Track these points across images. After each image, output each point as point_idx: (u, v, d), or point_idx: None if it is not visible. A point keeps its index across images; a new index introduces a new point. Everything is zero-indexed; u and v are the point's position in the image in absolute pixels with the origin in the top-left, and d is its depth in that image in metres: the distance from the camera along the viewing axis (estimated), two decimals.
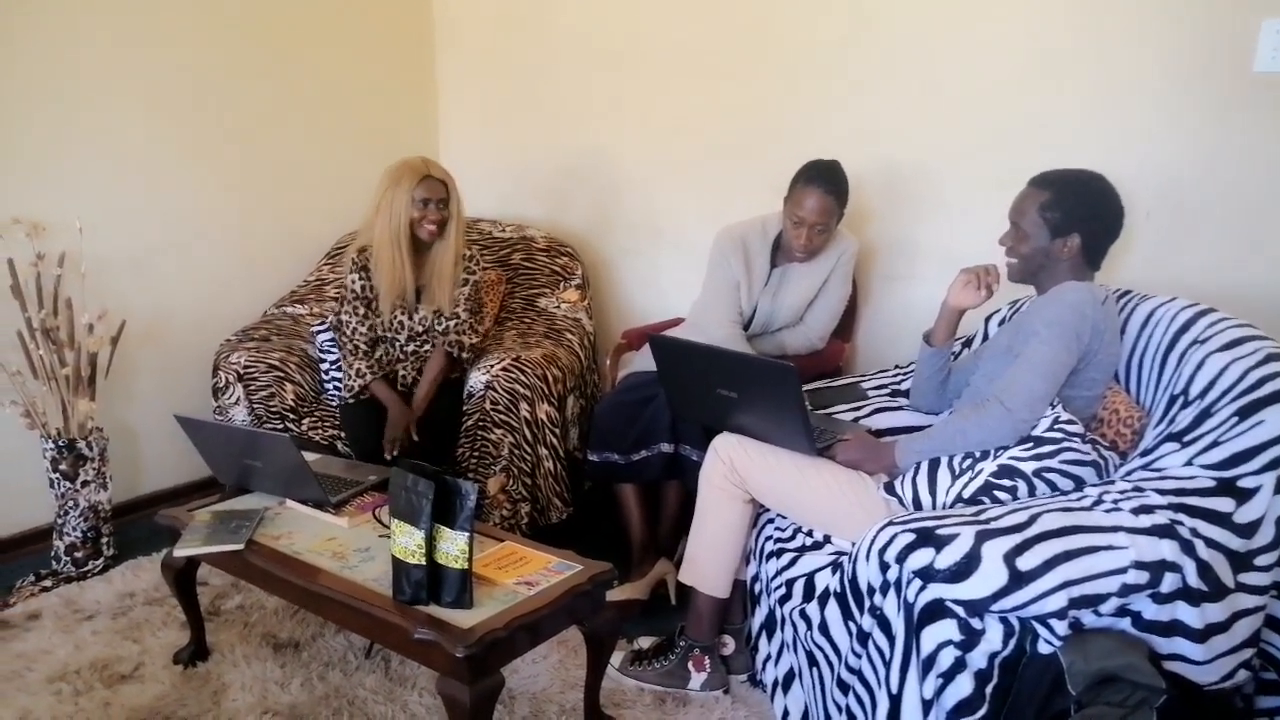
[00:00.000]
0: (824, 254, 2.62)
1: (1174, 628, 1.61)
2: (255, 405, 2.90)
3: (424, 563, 1.71)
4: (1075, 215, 1.95)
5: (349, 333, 2.75)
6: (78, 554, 2.70)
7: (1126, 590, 1.58)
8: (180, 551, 2.06)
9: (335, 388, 2.95)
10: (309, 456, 2.33)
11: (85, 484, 2.68)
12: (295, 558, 1.97)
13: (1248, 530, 1.64)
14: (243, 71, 3.25)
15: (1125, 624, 1.62)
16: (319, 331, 3.05)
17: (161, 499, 3.09)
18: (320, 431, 2.89)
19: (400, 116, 3.81)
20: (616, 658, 2.20)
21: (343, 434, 2.82)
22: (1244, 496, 1.65)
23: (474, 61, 3.80)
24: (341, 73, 3.56)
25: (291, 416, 2.93)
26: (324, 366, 3.04)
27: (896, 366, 2.58)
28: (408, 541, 1.72)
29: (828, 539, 2.03)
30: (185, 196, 3.15)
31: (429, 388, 2.76)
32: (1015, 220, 2.02)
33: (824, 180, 2.46)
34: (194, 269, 3.21)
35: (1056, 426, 1.86)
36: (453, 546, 1.70)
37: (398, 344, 2.82)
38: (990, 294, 2.13)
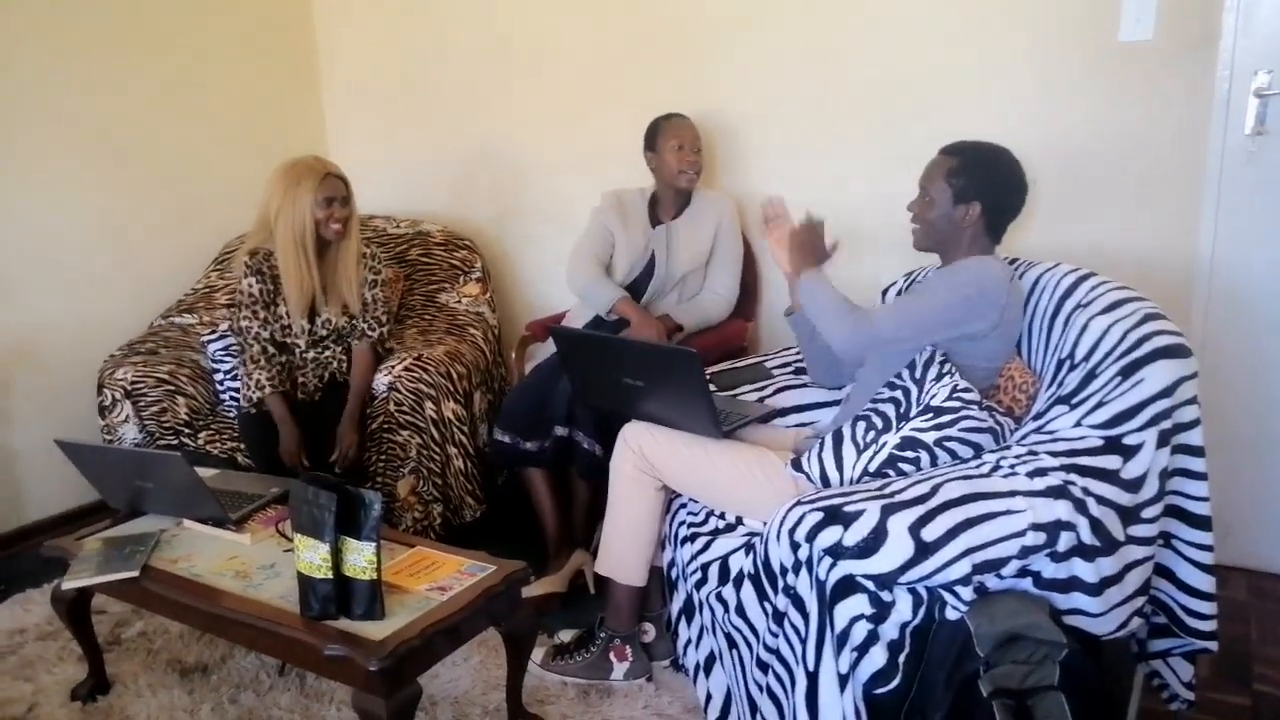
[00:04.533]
0: (702, 210, 2.77)
1: (1071, 584, 1.66)
2: (146, 422, 2.78)
3: (331, 576, 1.66)
4: (977, 183, 1.99)
5: (250, 338, 2.63)
6: None
7: (1026, 552, 1.63)
8: (69, 584, 1.96)
9: (232, 398, 2.84)
10: (206, 472, 2.24)
11: None
12: (195, 580, 1.89)
13: (1134, 485, 1.70)
14: (115, 73, 3.09)
15: (1026, 584, 1.68)
16: (210, 341, 2.93)
17: (49, 527, 2.94)
18: (219, 444, 2.78)
19: (284, 114, 3.68)
20: (538, 653, 2.19)
21: (243, 445, 2.72)
22: (1129, 453, 1.72)
23: (359, 54, 3.69)
24: (219, 72, 3.42)
25: (187, 431, 2.81)
26: (218, 377, 2.92)
27: None
28: (313, 556, 1.67)
29: (740, 521, 2.05)
30: (55, 205, 2.99)
31: (359, 402, 2.68)
32: (924, 185, 2.06)
33: (682, 114, 2.72)
34: (70, 282, 3.05)
35: (955, 395, 1.91)
36: (360, 558, 1.66)
37: (297, 350, 2.72)
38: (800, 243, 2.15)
